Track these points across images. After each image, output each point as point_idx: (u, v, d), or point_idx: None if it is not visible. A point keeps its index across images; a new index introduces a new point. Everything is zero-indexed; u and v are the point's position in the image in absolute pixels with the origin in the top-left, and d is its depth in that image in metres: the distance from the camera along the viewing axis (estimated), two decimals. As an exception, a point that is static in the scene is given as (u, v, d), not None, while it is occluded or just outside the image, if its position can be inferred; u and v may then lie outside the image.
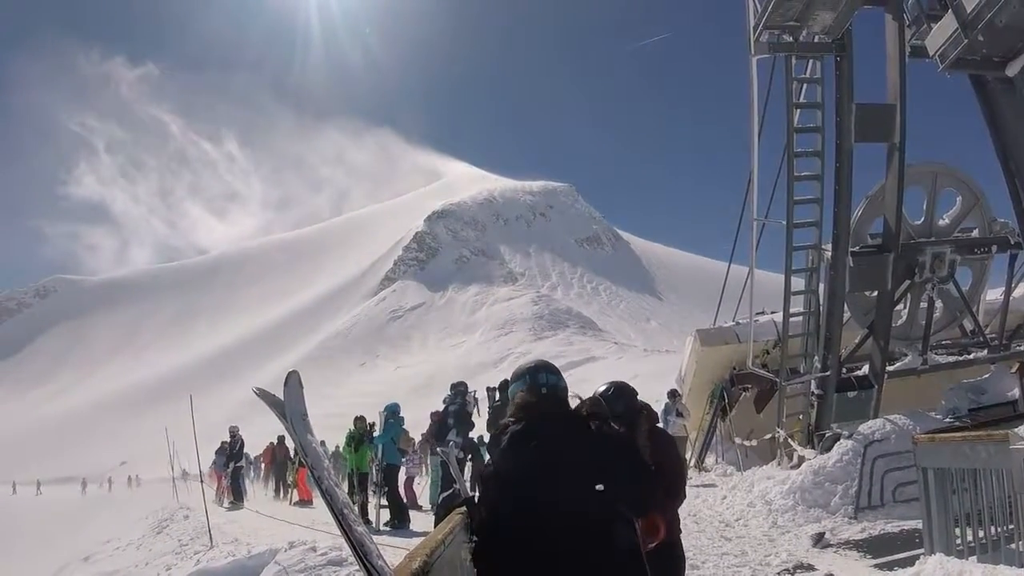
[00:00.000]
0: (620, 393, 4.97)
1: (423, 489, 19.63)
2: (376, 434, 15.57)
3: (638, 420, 4.83)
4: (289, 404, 2.18)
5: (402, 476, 18.04)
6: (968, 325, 15.54)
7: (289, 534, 12.60)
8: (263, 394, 2.20)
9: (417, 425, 19.29)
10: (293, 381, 2.23)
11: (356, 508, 13.87)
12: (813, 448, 13.46)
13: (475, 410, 14.74)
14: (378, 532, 13.41)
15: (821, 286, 14.54)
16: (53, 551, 23.69)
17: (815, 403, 14.30)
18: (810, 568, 8.68)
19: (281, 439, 29.37)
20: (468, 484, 13.72)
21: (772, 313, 17.20)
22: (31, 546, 28.74)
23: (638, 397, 5.08)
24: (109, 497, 54.36)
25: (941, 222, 14.96)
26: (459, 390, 14.43)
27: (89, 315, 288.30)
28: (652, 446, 4.63)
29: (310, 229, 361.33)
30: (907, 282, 14.20)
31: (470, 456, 14.84)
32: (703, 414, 19.06)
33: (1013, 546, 6.59)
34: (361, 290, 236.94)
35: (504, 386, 14.48)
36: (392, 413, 15.24)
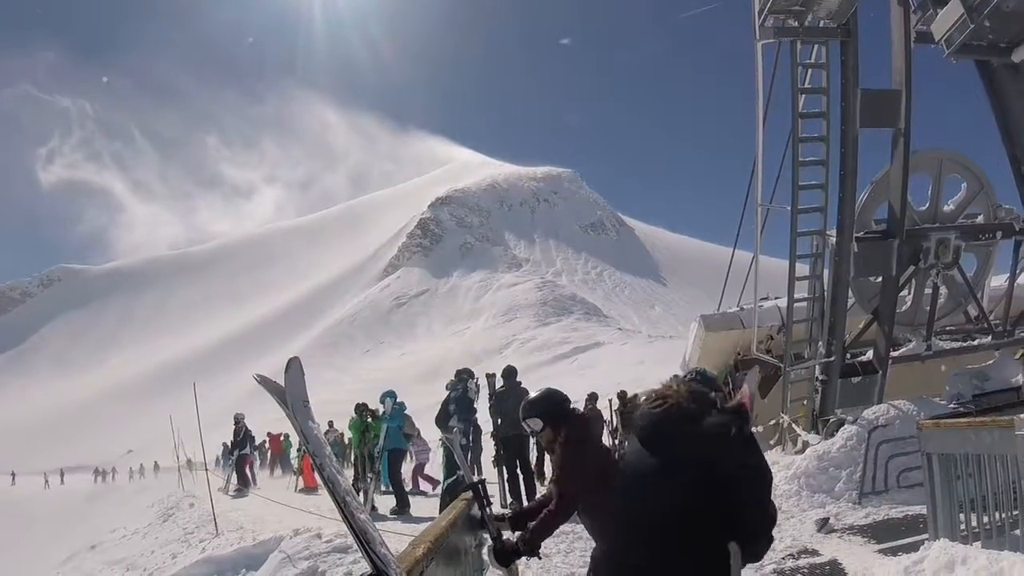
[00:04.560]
0: (552, 395, 4.72)
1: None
2: (385, 416, 15.57)
3: (559, 428, 4.43)
4: (290, 391, 2.17)
5: (410, 464, 18.08)
6: (972, 311, 15.51)
7: (294, 522, 12.64)
8: (264, 381, 2.19)
9: (421, 412, 19.31)
10: (294, 368, 2.22)
11: (361, 495, 13.93)
12: (817, 433, 13.45)
13: (476, 397, 14.71)
14: (384, 519, 13.45)
15: (826, 272, 14.50)
16: (61, 540, 23.80)
17: (819, 388, 14.30)
18: (814, 553, 8.69)
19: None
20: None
21: (776, 299, 17.18)
22: (39, 536, 28.86)
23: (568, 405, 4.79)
24: (113, 486, 54.66)
25: (946, 208, 14.90)
26: (462, 377, 14.41)
27: (93, 304, 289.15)
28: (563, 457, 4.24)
29: (314, 216, 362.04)
30: (912, 268, 14.15)
31: (472, 442, 14.84)
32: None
33: (1017, 532, 6.59)
34: (365, 277, 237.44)
35: (508, 372, 14.49)
36: (395, 399, 15.23)
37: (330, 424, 26.75)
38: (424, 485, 19.68)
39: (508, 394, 13.36)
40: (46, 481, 70.82)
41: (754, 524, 3.10)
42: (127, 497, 38.14)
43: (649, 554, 3.11)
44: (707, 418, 3.19)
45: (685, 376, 4.16)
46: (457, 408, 14.02)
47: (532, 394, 4.99)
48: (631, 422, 3.51)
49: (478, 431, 15.19)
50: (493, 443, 14.16)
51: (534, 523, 4.32)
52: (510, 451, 13.52)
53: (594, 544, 3.91)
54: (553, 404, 4.80)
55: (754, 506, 3.11)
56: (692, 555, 3.04)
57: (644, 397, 3.53)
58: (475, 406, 14.44)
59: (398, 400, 15.34)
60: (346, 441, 25.43)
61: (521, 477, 13.69)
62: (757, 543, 3.14)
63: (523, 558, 4.58)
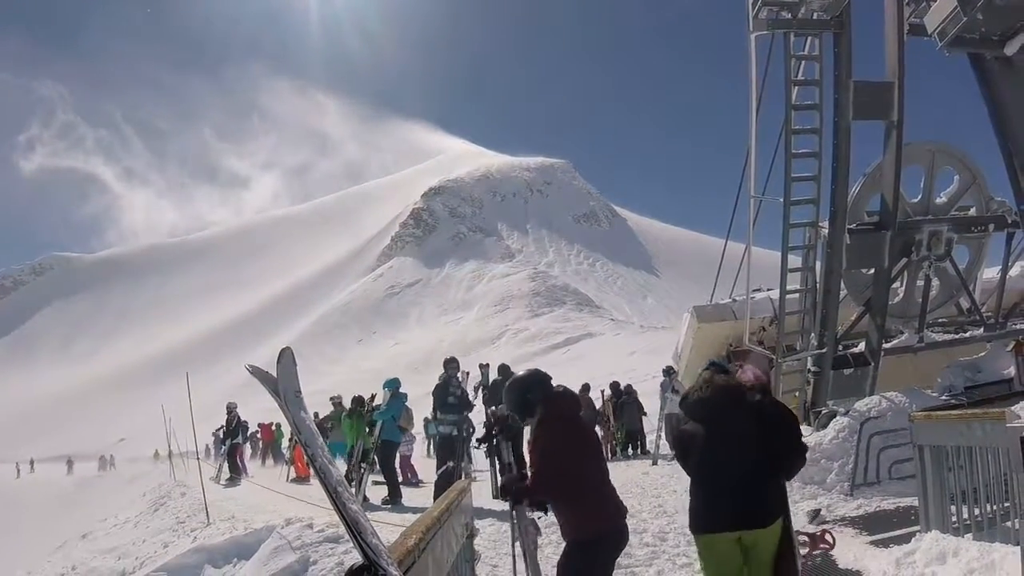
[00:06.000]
0: (511, 387, 5.52)
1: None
2: (377, 409, 15.50)
3: (533, 412, 5.30)
4: (282, 381, 2.16)
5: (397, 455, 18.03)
6: (965, 303, 15.54)
7: (286, 511, 12.63)
8: (256, 371, 2.18)
9: (413, 402, 19.33)
10: (286, 358, 2.21)
11: (353, 485, 13.90)
12: (809, 425, 13.47)
13: (470, 388, 14.57)
14: (376, 509, 13.45)
15: (818, 263, 14.51)
16: (52, 529, 23.77)
17: (811, 380, 14.30)
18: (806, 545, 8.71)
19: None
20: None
21: (769, 290, 17.20)
22: (30, 525, 28.83)
23: (550, 385, 5.45)
24: (103, 475, 54.64)
25: (939, 200, 14.93)
26: (449, 369, 14.27)
27: (86, 293, 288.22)
28: (537, 437, 5.25)
29: (306, 206, 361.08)
30: (904, 260, 14.18)
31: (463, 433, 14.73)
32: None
33: (1008, 524, 6.61)
34: (358, 266, 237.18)
35: (503, 369, 14.50)
36: (395, 389, 15.13)
37: (315, 416, 26.75)
38: (410, 476, 19.67)
39: (503, 385, 13.33)
40: (18, 470, 70.85)
41: (797, 455, 4.98)
42: (101, 485, 38.16)
43: (743, 494, 4.71)
44: (747, 396, 5.02)
45: (707, 367, 5.40)
46: (435, 400, 13.95)
47: (510, 381, 5.32)
48: (682, 403, 5.36)
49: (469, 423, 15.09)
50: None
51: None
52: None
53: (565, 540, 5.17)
54: (517, 395, 5.45)
55: (797, 441, 4.96)
56: (768, 481, 4.84)
57: (685, 389, 5.53)
58: (471, 401, 14.34)
59: (401, 390, 15.26)
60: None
61: (514, 468, 13.68)
62: (799, 465, 5.06)
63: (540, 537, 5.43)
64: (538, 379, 5.45)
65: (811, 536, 8.30)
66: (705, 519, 4.90)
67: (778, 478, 4.94)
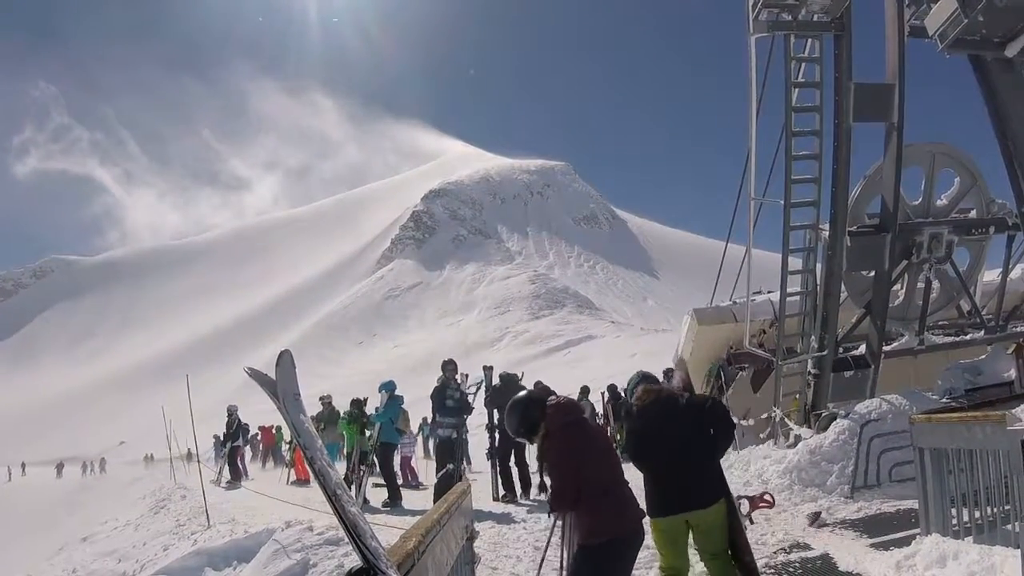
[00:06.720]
0: (511, 411, 5.59)
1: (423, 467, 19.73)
2: (375, 411, 15.47)
3: (536, 431, 5.43)
4: (281, 383, 2.16)
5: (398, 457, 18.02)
6: (965, 306, 15.52)
7: (286, 514, 12.61)
8: (255, 374, 2.18)
9: (412, 404, 19.29)
10: (285, 361, 2.21)
11: (352, 488, 13.88)
12: (809, 428, 13.46)
13: (470, 390, 14.56)
14: (376, 511, 13.44)
15: (818, 266, 14.50)
16: (51, 532, 23.76)
17: (812, 382, 14.28)
18: (806, 547, 8.69)
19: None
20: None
21: (769, 292, 17.18)
22: (29, 527, 28.81)
23: (546, 399, 5.61)
24: (86, 480, 54.70)
25: (939, 203, 14.91)
26: (446, 371, 14.19)
27: (86, 295, 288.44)
28: (547, 451, 5.40)
29: (306, 208, 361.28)
30: (904, 262, 14.16)
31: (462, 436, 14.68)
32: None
33: (1009, 527, 6.60)
34: (358, 269, 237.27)
35: (504, 377, 14.48)
36: (391, 392, 15.11)
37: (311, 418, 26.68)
38: (411, 478, 19.65)
39: (506, 388, 13.31)
40: (9, 474, 71.02)
41: (727, 432, 5.99)
42: (95, 489, 38.15)
43: (687, 483, 5.71)
44: (683, 397, 6.08)
45: (639, 381, 6.28)
46: (434, 404, 13.92)
47: (508, 406, 5.44)
48: (627, 415, 6.30)
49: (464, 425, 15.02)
50: (487, 435, 14.15)
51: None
52: (505, 443, 13.51)
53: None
54: (519, 416, 5.54)
55: (728, 422, 6.02)
56: (711, 458, 5.89)
57: (632, 400, 6.23)
58: (470, 403, 14.31)
59: (397, 392, 15.24)
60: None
61: (515, 470, 13.71)
62: (729, 441, 6.10)
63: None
64: (533, 397, 5.65)
65: (750, 499, 9.66)
66: (660, 505, 5.86)
67: (715, 464, 5.94)
